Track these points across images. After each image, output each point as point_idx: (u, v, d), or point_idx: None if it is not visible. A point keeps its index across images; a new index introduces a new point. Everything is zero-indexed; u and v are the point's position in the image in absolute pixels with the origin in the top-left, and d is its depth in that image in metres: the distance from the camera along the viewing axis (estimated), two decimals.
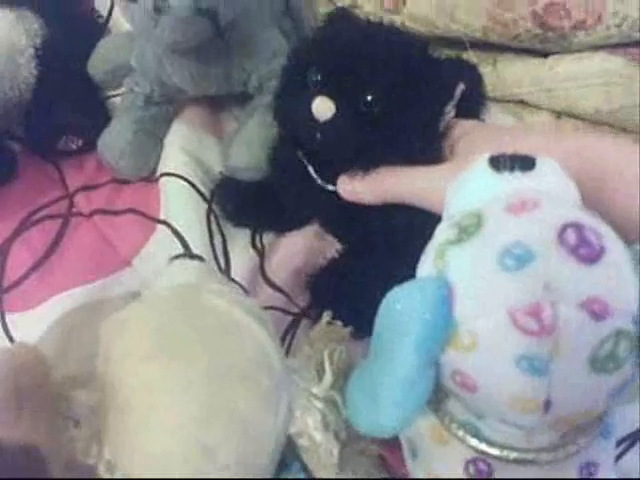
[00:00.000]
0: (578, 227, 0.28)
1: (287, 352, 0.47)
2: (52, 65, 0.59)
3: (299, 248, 0.55)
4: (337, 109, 0.41)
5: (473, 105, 0.52)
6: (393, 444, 0.39)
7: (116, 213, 0.56)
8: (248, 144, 0.56)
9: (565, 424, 0.32)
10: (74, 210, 0.57)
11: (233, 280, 0.51)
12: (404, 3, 0.60)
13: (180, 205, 0.55)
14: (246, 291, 0.51)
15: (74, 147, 0.60)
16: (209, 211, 0.55)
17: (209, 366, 0.31)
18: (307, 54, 0.45)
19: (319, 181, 0.48)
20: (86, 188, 0.58)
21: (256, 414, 0.31)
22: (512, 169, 0.34)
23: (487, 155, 0.35)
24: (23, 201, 0.56)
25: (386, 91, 0.42)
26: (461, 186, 0.36)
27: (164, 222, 0.55)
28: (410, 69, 0.42)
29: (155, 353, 0.31)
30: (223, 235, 0.55)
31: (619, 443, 0.44)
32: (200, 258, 0.42)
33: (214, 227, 0.55)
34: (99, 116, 0.61)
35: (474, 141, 0.43)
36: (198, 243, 0.53)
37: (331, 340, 0.38)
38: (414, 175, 0.43)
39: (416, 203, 0.43)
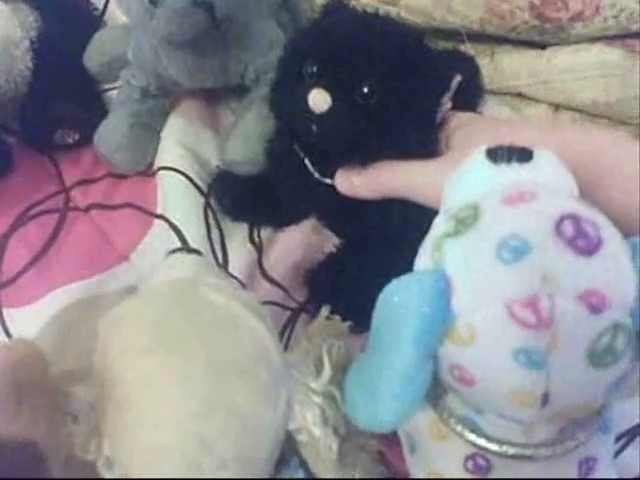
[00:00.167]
0: (575, 218, 0.28)
1: (285, 347, 0.47)
2: (48, 58, 0.58)
3: (297, 243, 0.54)
4: (333, 101, 0.41)
5: (470, 97, 0.52)
6: (392, 440, 0.39)
7: (113, 207, 0.56)
8: (245, 138, 0.56)
9: (563, 418, 0.32)
10: (71, 205, 0.57)
11: (231, 275, 0.50)
12: None
13: (177, 199, 0.55)
14: (244, 286, 0.51)
15: (70, 141, 0.59)
16: (206, 205, 0.55)
17: (207, 360, 0.31)
18: (303, 46, 0.45)
19: (316, 175, 0.47)
20: (83, 182, 0.58)
21: (255, 408, 0.31)
22: (509, 161, 0.33)
23: (484, 147, 0.34)
24: (19, 196, 0.56)
25: (382, 82, 0.42)
26: (458, 178, 0.35)
27: (161, 216, 0.55)
28: (406, 60, 0.42)
29: (153, 348, 0.31)
30: (221, 229, 0.55)
31: (618, 438, 0.44)
32: (198, 252, 0.42)
33: (212, 221, 0.55)
34: (95, 109, 0.61)
35: (470, 133, 0.43)
36: (196, 237, 0.53)
37: (330, 335, 0.38)
38: (411, 170, 0.43)
39: (413, 198, 0.42)
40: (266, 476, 0.32)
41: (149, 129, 0.59)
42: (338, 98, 0.41)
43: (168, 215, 0.54)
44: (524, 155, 0.34)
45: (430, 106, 0.44)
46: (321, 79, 0.42)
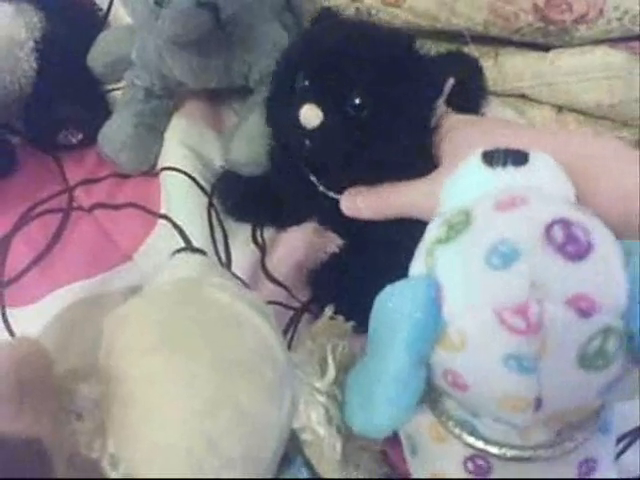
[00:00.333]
0: (566, 223, 0.28)
1: (288, 347, 0.47)
2: (52, 58, 0.58)
3: (300, 243, 0.55)
4: (325, 115, 0.41)
5: (473, 98, 0.52)
6: (395, 440, 0.39)
7: (116, 207, 0.56)
8: (249, 139, 0.56)
9: (558, 421, 0.32)
10: (74, 204, 0.57)
11: (234, 275, 0.50)
12: None
13: (181, 199, 0.55)
14: (247, 286, 0.51)
15: (74, 141, 0.59)
16: (210, 205, 0.55)
17: (212, 359, 0.31)
18: (294, 59, 0.45)
19: (321, 188, 0.48)
20: (86, 182, 0.58)
21: (260, 407, 0.31)
22: (505, 164, 0.34)
23: (480, 150, 0.35)
24: (23, 195, 0.56)
25: (373, 91, 0.41)
26: (454, 182, 0.36)
27: (165, 216, 0.55)
28: (396, 67, 0.42)
29: (158, 346, 0.31)
30: (224, 229, 0.55)
31: (620, 440, 0.44)
32: (202, 252, 0.42)
33: (215, 221, 0.54)
34: (99, 110, 0.61)
35: (465, 136, 0.43)
36: (199, 237, 0.53)
37: (333, 335, 0.39)
38: (414, 190, 0.43)
39: (418, 217, 0.42)
40: (270, 475, 0.32)
41: (153, 129, 0.59)
42: (330, 112, 0.41)
43: (171, 215, 0.54)
44: (520, 158, 0.34)
45: (423, 111, 0.44)
46: (312, 93, 0.42)
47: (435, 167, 0.43)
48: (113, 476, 0.31)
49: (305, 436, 0.34)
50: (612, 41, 0.58)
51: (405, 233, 0.44)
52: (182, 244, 0.52)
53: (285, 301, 0.52)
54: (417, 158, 0.43)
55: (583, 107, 0.59)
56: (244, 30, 0.56)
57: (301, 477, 0.34)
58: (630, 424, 0.45)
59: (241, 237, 0.55)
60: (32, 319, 0.49)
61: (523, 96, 0.62)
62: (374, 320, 0.33)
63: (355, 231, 0.49)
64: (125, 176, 0.58)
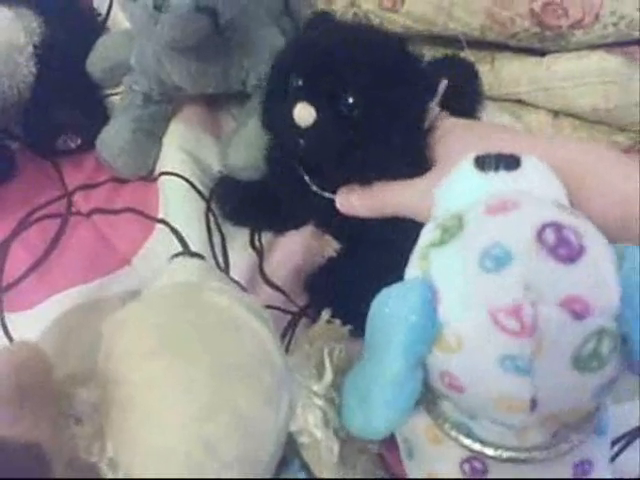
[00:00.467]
0: (557, 227, 0.29)
1: (286, 350, 0.47)
2: (51, 63, 0.59)
3: (298, 247, 0.55)
4: (318, 114, 0.41)
5: (469, 103, 0.52)
6: (392, 443, 0.39)
7: (115, 212, 0.57)
8: (247, 144, 0.56)
9: (554, 422, 0.32)
10: (73, 209, 0.57)
11: (232, 279, 0.51)
12: (402, 2, 0.60)
13: (178, 204, 0.55)
14: (245, 290, 0.51)
15: (73, 146, 0.60)
16: (208, 210, 0.55)
17: (211, 363, 0.31)
18: (288, 60, 0.45)
19: (314, 188, 0.48)
20: (85, 187, 0.58)
21: (258, 411, 0.31)
22: (497, 169, 0.34)
23: (472, 155, 0.35)
24: (22, 200, 0.56)
25: (366, 92, 0.42)
26: (447, 187, 0.36)
27: (163, 221, 0.55)
28: (389, 69, 0.42)
29: (157, 350, 0.31)
30: (222, 234, 0.55)
31: (617, 441, 0.44)
32: (200, 256, 0.42)
33: (213, 226, 0.55)
34: (98, 115, 0.61)
35: (460, 140, 0.43)
36: (197, 242, 0.53)
37: (330, 338, 0.39)
38: (409, 189, 0.43)
39: (412, 216, 0.43)
40: (268, 478, 0.32)
41: (151, 135, 0.59)
42: (323, 111, 0.41)
43: (169, 220, 0.55)
44: (511, 163, 0.34)
45: (417, 113, 0.44)
46: (306, 92, 0.42)
47: (429, 169, 0.43)
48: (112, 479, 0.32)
49: (303, 439, 0.34)
50: (608, 46, 0.58)
51: (401, 236, 0.44)
52: (180, 249, 0.52)
53: (283, 305, 0.52)
54: (410, 159, 0.44)
55: (579, 112, 0.59)
56: (242, 35, 0.56)
57: (299, 479, 0.34)
58: (628, 425, 0.45)
59: (239, 241, 0.55)
60: (30, 324, 0.49)
61: (519, 101, 0.62)
62: (371, 323, 0.33)
63: (351, 233, 0.49)
64: (123, 181, 0.59)
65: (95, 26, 0.67)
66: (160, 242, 0.54)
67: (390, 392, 0.31)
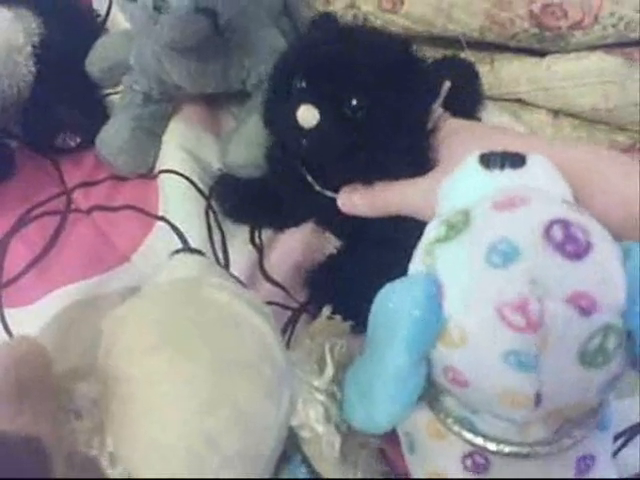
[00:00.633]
0: (565, 223, 0.29)
1: (287, 346, 0.47)
2: (50, 63, 0.58)
3: (298, 244, 0.55)
4: (321, 115, 0.41)
5: (470, 103, 0.52)
6: (393, 438, 0.39)
7: (114, 209, 0.56)
8: (247, 141, 0.56)
9: (558, 418, 0.32)
10: (72, 206, 0.57)
11: (232, 276, 0.51)
12: (402, 3, 0.60)
13: (178, 201, 0.55)
14: (245, 286, 0.51)
15: (72, 144, 0.59)
16: (208, 207, 0.55)
17: (211, 359, 0.31)
18: (291, 62, 0.45)
19: (318, 187, 0.48)
20: (84, 184, 0.58)
21: (259, 406, 0.31)
22: (502, 167, 0.34)
23: (477, 153, 0.35)
24: (21, 198, 0.56)
25: (370, 94, 0.42)
26: (451, 185, 0.36)
27: (163, 218, 0.55)
28: (393, 71, 0.42)
29: (157, 346, 0.32)
30: (222, 231, 0.55)
31: (618, 437, 0.44)
32: (200, 252, 0.42)
33: (213, 223, 0.55)
34: (97, 114, 0.61)
35: (464, 140, 0.43)
36: (197, 239, 0.53)
37: (331, 334, 0.39)
38: (410, 189, 0.44)
39: (414, 215, 0.43)
40: (269, 472, 0.32)
41: (151, 133, 0.59)
42: (326, 112, 0.41)
43: (169, 217, 0.55)
44: (517, 161, 0.34)
45: (420, 114, 0.44)
46: (309, 94, 0.42)
47: (431, 170, 0.43)
48: (112, 475, 0.32)
49: (304, 434, 0.34)
50: (607, 47, 0.58)
51: (402, 233, 0.44)
52: (180, 246, 0.52)
53: (283, 302, 0.52)
54: (413, 160, 0.44)
55: (579, 112, 0.59)
56: (242, 35, 0.56)
57: (300, 474, 0.34)
58: (629, 420, 0.45)
59: (239, 238, 0.55)
60: (30, 320, 0.49)
61: (519, 101, 0.62)
62: (374, 318, 0.33)
63: (352, 231, 0.49)
64: (123, 179, 0.59)
65: (94, 26, 0.67)
66: (160, 239, 0.54)
67: (393, 387, 0.31)
